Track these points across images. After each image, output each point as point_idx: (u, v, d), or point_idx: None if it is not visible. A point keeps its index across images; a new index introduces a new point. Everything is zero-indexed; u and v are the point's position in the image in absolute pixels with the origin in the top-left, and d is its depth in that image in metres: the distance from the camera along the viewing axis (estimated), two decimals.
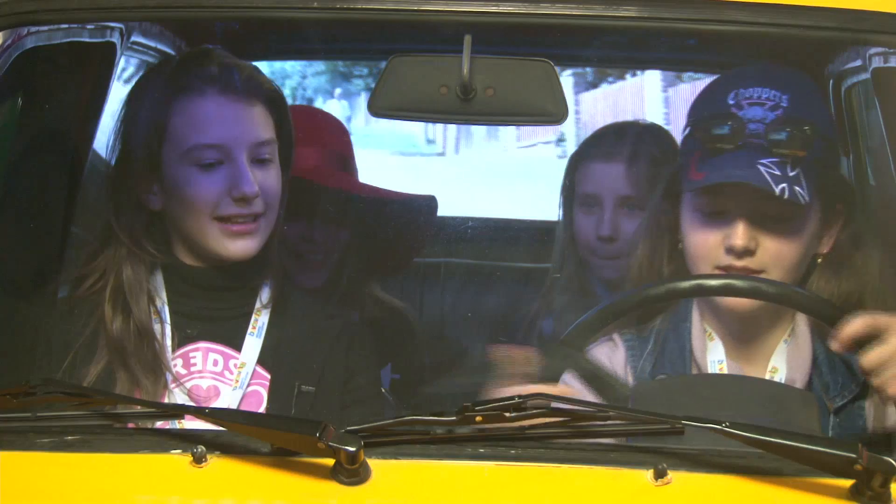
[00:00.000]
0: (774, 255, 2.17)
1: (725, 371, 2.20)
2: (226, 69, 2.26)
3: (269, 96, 2.29)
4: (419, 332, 2.89)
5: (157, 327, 2.26)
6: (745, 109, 2.19)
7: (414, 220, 2.87)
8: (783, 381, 2.18)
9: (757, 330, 2.21)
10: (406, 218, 2.85)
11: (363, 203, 2.77)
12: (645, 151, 2.76)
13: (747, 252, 2.16)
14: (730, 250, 2.16)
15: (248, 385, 2.26)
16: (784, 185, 2.12)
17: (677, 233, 2.26)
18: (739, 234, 2.15)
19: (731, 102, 2.21)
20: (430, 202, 2.90)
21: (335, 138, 2.83)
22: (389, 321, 2.75)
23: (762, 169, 2.13)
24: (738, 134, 2.17)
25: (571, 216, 2.81)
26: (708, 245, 2.19)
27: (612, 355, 2.25)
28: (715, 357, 2.22)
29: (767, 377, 2.19)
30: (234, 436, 1.79)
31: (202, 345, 2.28)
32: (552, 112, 2.11)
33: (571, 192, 2.82)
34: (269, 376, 2.28)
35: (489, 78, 2.06)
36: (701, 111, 2.27)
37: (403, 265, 2.99)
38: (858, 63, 2.52)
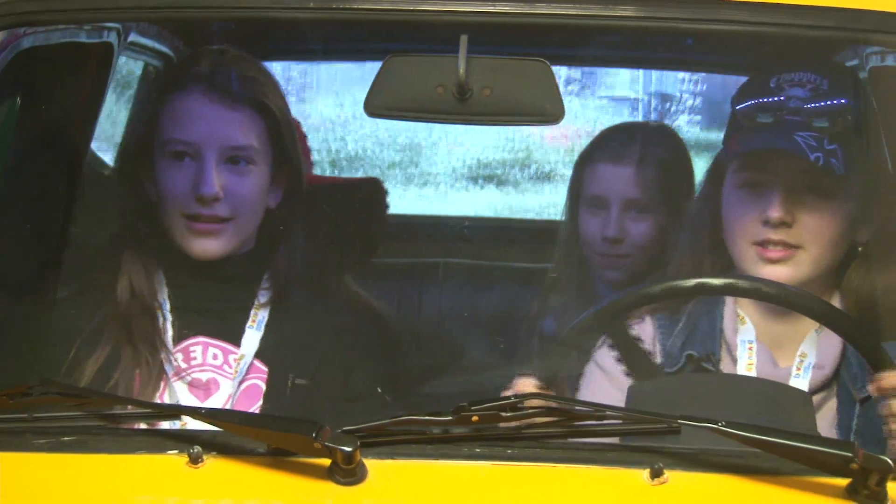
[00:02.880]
0: (811, 230, 2.20)
1: (755, 351, 2.22)
2: (218, 71, 2.28)
3: (261, 103, 2.30)
4: (414, 332, 2.88)
5: (158, 320, 2.28)
6: (787, 90, 2.24)
7: (361, 206, 2.84)
8: (811, 367, 2.20)
9: (788, 315, 2.22)
10: (352, 204, 2.82)
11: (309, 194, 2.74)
12: (653, 153, 2.76)
13: (784, 224, 2.19)
14: (766, 222, 2.20)
15: (246, 378, 2.28)
16: (819, 154, 2.16)
17: (720, 222, 2.29)
18: (776, 205, 2.19)
19: (772, 86, 2.25)
20: (374, 186, 2.87)
21: None
22: (381, 321, 2.74)
23: (799, 139, 2.17)
24: (778, 110, 2.22)
25: (576, 216, 2.81)
26: (747, 221, 2.22)
27: (641, 332, 2.27)
28: (745, 337, 2.24)
29: (796, 362, 2.21)
30: (231, 436, 1.79)
31: (202, 339, 2.30)
32: (549, 112, 2.10)
33: (577, 192, 2.81)
34: (266, 369, 2.29)
35: (486, 78, 2.06)
36: (744, 96, 2.31)
37: (365, 252, 2.94)
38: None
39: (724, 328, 2.26)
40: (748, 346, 2.23)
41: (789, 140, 2.18)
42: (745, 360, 2.22)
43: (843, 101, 2.24)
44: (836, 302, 2.24)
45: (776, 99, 2.24)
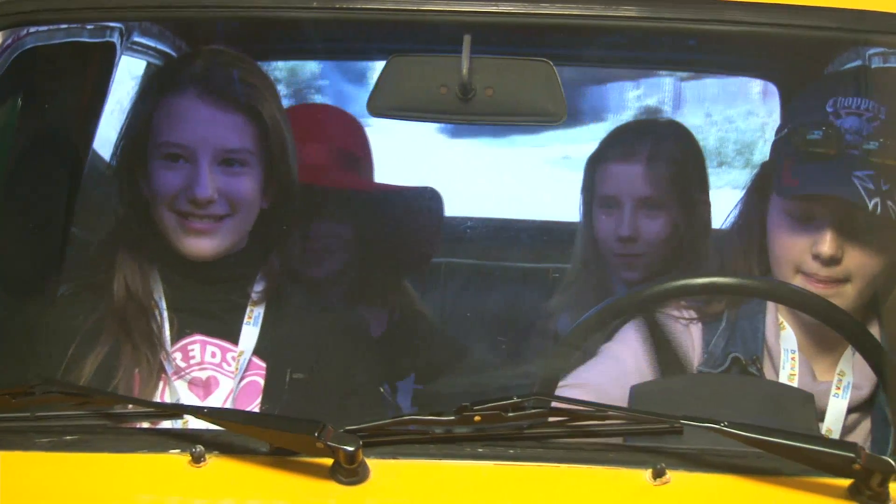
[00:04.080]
0: (859, 264, 2.19)
1: (797, 362, 2.21)
2: (212, 72, 2.27)
3: (254, 105, 2.29)
4: (430, 333, 2.88)
5: (155, 319, 2.28)
6: (843, 118, 2.19)
7: (416, 214, 2.86)
8: (850, 387, 2.19)
9: (825, 332, 2.20)
10: (408, 212, 2.84)
11: (365, 201, 2.76)
12: (665, 151, 2.74)
13: (833, 261, 2.18)
14: (816, 257, 2.18)
15: (246, 375, 2.28)
16: (877, 199, 2.13)
17: (764, 233, 2.28)
18: (828, 242, 2.17)
19: (829, 110, 2.21)
20: (431, 195, 2.89)
21: (341, 135, 2.82)
22: (401, 321, 2.75)
23: (857, 182, 2.14)
24: (835, 143, 2.18)
25: (591, 215, 2.80)
26: (795, 249, 2.21)
27: (687, 326, 2.27)
28: (788, 346, 2.24)
29: (835, 381, 2.20)
30: (233, 435, 1.79)
31: (199, 337, 2.30)
32: (552, 112, 2.10)
33: (591, 191, 2.80)
34: (264, 366, 2.29)
35: (489, 78, 2.06)
36: (798, 115, 2.28)
37: (416, 260, 2.97)
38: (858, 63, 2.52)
39: (766, 333, 2.25)
40: (791, 355, 2.22)
41: (847, 184, 2.14)
42: (788, 370, 2.21)
43: None
44: (875, 330, 2.21)
45: (832, 124, 2.19)
